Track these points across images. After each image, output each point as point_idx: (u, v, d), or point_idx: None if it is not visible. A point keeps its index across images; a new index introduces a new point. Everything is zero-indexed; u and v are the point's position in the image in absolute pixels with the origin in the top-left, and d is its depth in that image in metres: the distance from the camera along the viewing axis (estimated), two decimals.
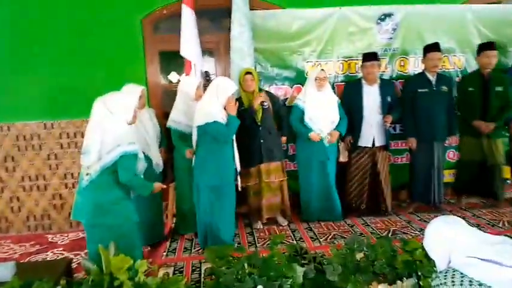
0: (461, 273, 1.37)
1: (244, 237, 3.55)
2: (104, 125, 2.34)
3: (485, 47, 3.75)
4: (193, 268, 2.96)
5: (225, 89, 3.06)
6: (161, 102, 4.12)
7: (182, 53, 3.65)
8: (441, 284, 1.40)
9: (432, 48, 3.69)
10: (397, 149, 4.23)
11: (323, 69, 3.68)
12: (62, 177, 4.05)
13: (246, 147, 3.51)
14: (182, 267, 2.98)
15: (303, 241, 3.39)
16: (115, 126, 2.35)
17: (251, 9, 3.82)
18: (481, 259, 1.36)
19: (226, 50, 4.09)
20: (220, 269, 2.30)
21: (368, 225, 3.72)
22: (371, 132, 3.78)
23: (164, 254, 3.27)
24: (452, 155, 4.28)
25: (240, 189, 3.38)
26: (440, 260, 1.50)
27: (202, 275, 2.81)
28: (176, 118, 3.36)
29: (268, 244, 3.25)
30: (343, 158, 3.92)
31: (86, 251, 3.28)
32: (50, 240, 3.84)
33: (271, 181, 3.67)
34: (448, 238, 1.48)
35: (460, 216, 3.72)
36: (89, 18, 3.90)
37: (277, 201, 3.77)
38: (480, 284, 1.32)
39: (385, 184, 3.86)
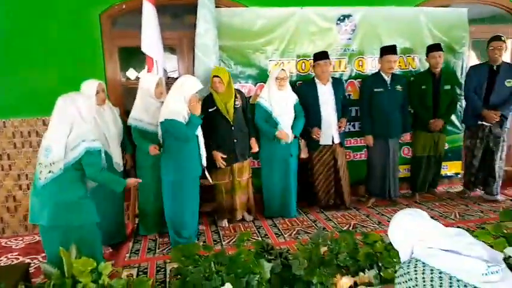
0: (423, 263, 1.44)
1: (209, 236, 3.54)
2: (70, 123, 2.30)
3: (433, 48, 3.99)
4: (158, 269, 2.92)
5: (189, 87, 3.07)
6: (122, 99, 4.01)
7: (143, 49, 3.57)
8: (404, 273, 1.47)
9: (389, 50, 3.85)
10: (356, 146, 4.38)
11: (283, 69, 3.73)
12: (15, 179, 3.84)
13: (220, 147, 3.55)
14: (146, 268, 2.93)
15: (268, 237, 3.44)
16: (79, 123, 2.32)
17: (216, 7, 3.80)
18: (442, 249, 1.45)
19: (189, 47, 4.05)
20: (187, 268, 2.29)
21: (330, 219, 3.83)
22: (330, 130, 3.89)
23: (127, 255, 3.19)
24: (407, 151, 4.49)
25: (211, 182, 3.47)
26: (404, 251, 1.57)
27: (168, 275, 2.78)
28: (137, 116, 3.30)
29: (234, 242, 3.27)
30: (304, 155, 4.02)
31: (43, 254, 3.18)
32: (3, 244, 3.63)
33: (242, 179, 3.72)
34: (410, 230, 1.54)
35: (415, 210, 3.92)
36: (45, 13, 3.71)
37: (245, 200, 3.83)
38: (440, 272, 1.39)
39: (344, 180, 4.00)
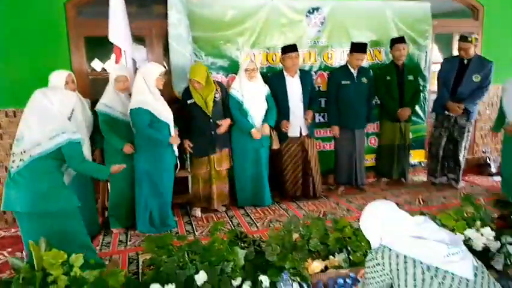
0: (390, 249, 1.53)
1: (182, 227, 3.55)
2: (44, 113, 2.27)
3: (397, 41, 4.14)
4: (130, 260, 2.90)
5: (150, 73, 3.16)
6: (88, 90, 3.89)
7: (111, 39, 3.50)
8: (373, 259, 1.56)
9: (359, 49, 3.95)
10: (326, 136, 4.48)
11: (252, 61, 3.75)
12: None
13: (198, 139, 3.59)
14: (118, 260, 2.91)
15: (241, 227, 3.48)
16: (58, 115, 2.30)
17: None
18: (408, 236, 1.54)
19: (159, 37, 3.99)
20: (160, 258, 2.28)
21: (301, 208, 3.92)
22: (298, 122, 3.95)
23: (98, 248, 3.14)
24: (373, 141, 4.64)
25: (189, 169, 3.67)
26: (374, 239, 1.66)
27: (140, 267, 2.77)
28: (108, 102, 3.25)
29: (207, 232, 3.29)
30: (275, 146, 4.07)
31: (9, 249, 3.10)
32: None
33: (221, 169, 3.75)
34: (380, 220, 1.64)
35: (380, 196, 4.10)
36: (10, 1, 3.57)
37: (226, 190, 3.87)
38: (405, 257, 1.49)
39: (315, 171, 4.09)
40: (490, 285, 1.46)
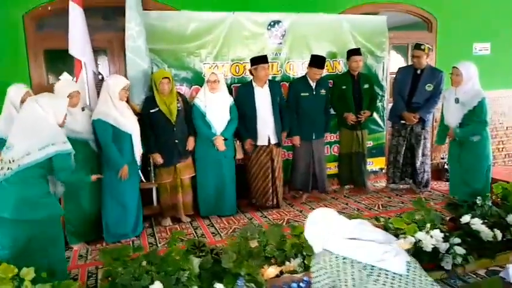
0: (331, 252, 1.61)
1: (145, 239, 3.53)
2: (35, 123, 2.31)
3: (353, 52, 4.31)
4: (90, 274, 2.87)
5: (113, 85, 3.26)
6: None
7: (70, 52, 3.49)
8: (317, 263, 1.64)
9: (317, 63, 4.07)
10: (288, 146, 4.55)
11: (213, 73, 3.81)
12: None
13: (162, 148, 3.64)
14: (77, 275, 2.87)
15: (204, 237, 3.50)
16: (49, 125, 2.34)
17: (144, 10, 3.80)
18: (346, 238, 1.62)
19: (119, 49, 4.00)
20: (116, 270, 2.28)
21: (266, 217, 3.98)
22: (266, 131, 4.03)
23: None
24: (336, 149, 4.76)
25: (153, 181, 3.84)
26: (316, 244, 1.74)
27: (99, 280, 2.74)
28: None
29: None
30: (239, 155, 4.13)
31: None
32: None
33: (185, 178, 3.80)
34: (319, 226, 1.74)
35: (343, 202, 4.20)
36: None
37: (190, 199, 3.91)
38: (344, 258, 1.57)
39: (278, 180, 4.15)
40: (421, 278, 1.54)
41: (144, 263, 2.32)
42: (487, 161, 3.74)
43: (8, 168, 2.27)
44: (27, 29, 3.72)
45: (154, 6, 4.02)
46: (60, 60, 4.02)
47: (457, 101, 3.68)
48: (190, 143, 3.79)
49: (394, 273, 1.51)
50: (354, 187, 4.70)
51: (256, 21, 4.30)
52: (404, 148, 4.50)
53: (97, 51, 3.93)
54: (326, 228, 1.71)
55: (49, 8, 3.76)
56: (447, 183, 5.00)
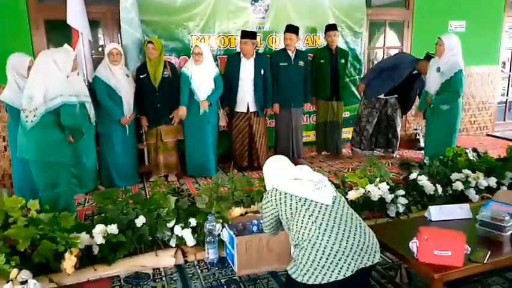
0: (276, 189, 2.01)
1: (135, 189, 4.00)
2: (48, 75, 2.72)
3: (329, 28, 4.63)
4: (86, 217, 3.32)
5: (106, 50, 3.84)
6: None
7: (68, 22, 3.84)
8: (265, 198, 2.04)
9: (288, 29, 4.42)
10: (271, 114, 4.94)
11: (197, 45, 4.10)
12: None
13: (146, 111, 4.06)
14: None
15: (189, 190, 3.93)
16: (58, 77, 2.76)
17: None
18: (289, 178, 2.02)
19: (113, 20, 4.34)
20: (106, 207, 2.74)
21: (245, 176, 4.38)
22: (245, 99, 4.40)
23: None
24: (314, 119, 5.15)
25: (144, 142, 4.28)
26: (268, 183, 2.14)
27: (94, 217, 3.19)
28: None
29: None
30: (222, 123, 4.53)
31: None
32: None
33: (168, 141, 4.18)
34: (271, 169, 2.13)
35: (317, 166, 4.56)
36: None
37: (174, 160, 4.30)
38: (285, 193, 1.96)
39: (259, 144, 4.56)
40: (343, 209, 1.94)
41: (131, 202, 2.78)
42: (453, 130, 4.04)
43: (34, 116, 2.71)
44: (29, 0, 4.05)
45: None
46: (59, 30, 4.35)
47: (438, 70, 3.92)
48: (182, 112, 4.10)
49: (322, 204, 1.92)
50: (330, 153, 5.12)
51: None
52: (375, 119, 4.88)
53: (93, 23, 4.28)
54: (276, 171, 2.12)
55: None
56: (418, 151, 5.44)
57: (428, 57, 4.32)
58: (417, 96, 4.68)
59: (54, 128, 2.78)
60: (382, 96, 4.76)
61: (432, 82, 4.04)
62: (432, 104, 4.05)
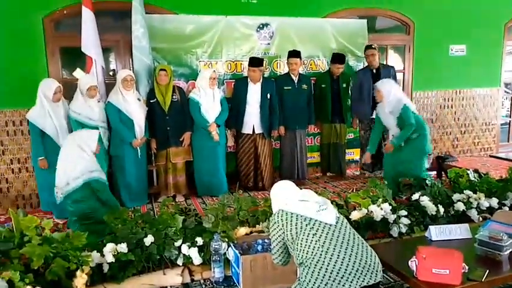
0: (282, 210, 2.11)
1: (144, 209, 4.09)
2: (71, 158, 3.10)
3: (336, 60, 4.79)
4: None
5: (119, 77, 4.03)
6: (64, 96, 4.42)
7: (83, 50, 4.06)
8: (272, 219, 2.13)
9: (291, 54, 4.61)
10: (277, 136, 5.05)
11: (214, 71, 4.36)
12: (8, 163, 4.33)
13: (157, 134, 4.23)
14: None
15: (196, 211, 4.02)
16: (83, 158, 3.11)
17: (147, 13, 4.34)
18: (295, 200, 2.12)
19: (125, 48, 4.56)
20: (117, 226, 2.84)
21: (250, 197, 4.47)
22: (251, 121, 4.56)
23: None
24: (319, 140, 5.26)
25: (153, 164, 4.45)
26: (275, 206, 2.24)
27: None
28: (76, 109, 3.84)
29: None
30: (230, 143, 4.67)
31: None
32: None
33: (177, 162, 4.32)
34: (278, 192, 2.23)
35: (322, 187, 4.64)
36: None
37: (183, 181, 4.42)
38: (291, 213, 2.05)
39: (264, 165, 4.67)
40: (346, 229, 2.02)
41: (140, 222, 2.88)
42: (424, 154, 4.12)
43: (61, 194, 3.08)
44: (46, 29, 4.29)
45: (155, 10, 4.57)
46: (73, 57, 4.58)
47: (388, 112, 4.09)
48: (186, 139, 4.31)
49: (325, 223, 2.00)
50: (335, 174, 5.20)
51: (246, 23, 4.82)
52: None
53: (106, 50, 4.50)
54: (282, 194, 2.22)
55: (65, 12, 4.33)
56: None
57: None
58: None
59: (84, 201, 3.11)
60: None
61: (388, 121, 4.14)
62: (396, 146, 4.08)
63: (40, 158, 3.65)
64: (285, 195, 2.17)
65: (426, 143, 4.11)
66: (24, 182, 4.39)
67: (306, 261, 1.87)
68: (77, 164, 3.08)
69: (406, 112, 3.94)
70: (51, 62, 4.37)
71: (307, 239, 1.91)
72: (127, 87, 3.99)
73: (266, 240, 2.77)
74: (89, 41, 4.08)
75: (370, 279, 1.82)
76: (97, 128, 3.84)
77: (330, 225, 1.97)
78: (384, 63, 5.61)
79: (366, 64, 5.10)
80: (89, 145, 3.17)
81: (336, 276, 1.79)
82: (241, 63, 4.87)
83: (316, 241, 1.88)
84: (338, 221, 2.01)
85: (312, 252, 1.86)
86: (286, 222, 2.03)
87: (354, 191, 4.59)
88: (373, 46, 4.85)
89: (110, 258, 2.55)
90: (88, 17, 4.04)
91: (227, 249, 2.71)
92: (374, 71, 4.88)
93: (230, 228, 2.83)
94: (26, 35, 4.23)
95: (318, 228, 1.95)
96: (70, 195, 3.07)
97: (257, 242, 2.75)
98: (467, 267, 2.00)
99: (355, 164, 5.56)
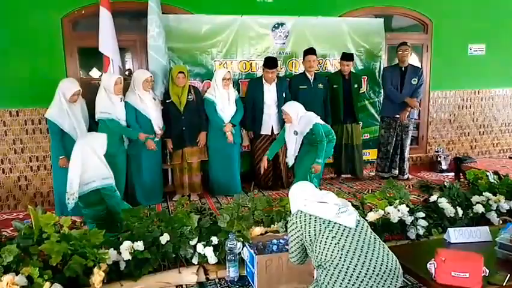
0: (301, 211, 2.09)
1: (159, 208, 4.11)
2: (82, 163, 3.10)
3: (344, 58, 4.75)
4: None
5: (136, 78, 4.05)
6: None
7: (100, 49, 4.11)
8: (290, 220, 2.12)
9: (308, 52, 4.58)
10: None
11: (229, 71, 4.37)
12: (27, 161, 4.40)
13: (172, 134, 4.25)
14: None
15: (210, 210, 4.03)
16: (93, 163, 3.13)
17: (164, 13, 4.38)
18: (314, 201, 2.10)
19: (141, 47, 4.60)
20: (133, 224, 2.86)
21: (265, 196, 4.47)
22: (270, 122, 4.56)
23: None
24: None
25: (168, 163, 4.48)
26: (293, 206, 2.22)
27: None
28: (104, 110, 3.89)
29: None
30: (245, 142, 4.67)
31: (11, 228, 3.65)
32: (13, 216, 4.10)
33: (192, 161, 4.34)
34: (297, 193, 2.20)
35: (337, 188, 4.61)
36: (16, 17, 4.19)
37: (198, 180, 4.45)
38: (310, 215, 2.04)
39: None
40: (367, 232, 1.99)
41: (155, 220, 2.90)
42: (328, 156, 4.26)
43: (72, 199, 3.08)
44: (64, 29, 4.36)
45: (172, 10, 4.60)
46: (91, 57, 4.65)
47: (295, 133, 4.12)
48: (202, 139, 4.34)
49: (345, 227, 1.97)
50: (350, 175, 5.16)
51: (261, 23, 4.82)
52: (394, 140, 4.95)
53: (122, 49, 4.55)
54: (301, 194, 2.20)
55: (83, 12, 4.39)
56: (439, 174, 5.42)
57: None
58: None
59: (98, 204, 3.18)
60: (397, 115, 4.83)
61: (292, 143, 4.17)
62: (323, 163, 4.11)
63: (61, 157, 3.72)
64: (304, 197, 2.14)
65: (332, 147, 4.20)
66: (42, 179, 4.46)
67: (324, 264, 1.85)
68: (90, 168, 3.11)
69: (318, 129, 4.00)
70: (70, 61, 4.43)
71: (326, 242, 1.88)
72: (147, 87, 4.04)
73: (281, 241, 2.76)
74: (107, 41, 4.13)
75: (390, 284, 1.79)
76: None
77: (350, 228, 1.93)
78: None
79: (380, 62, 5.11)
80: (100, 148, 3.21)
81: (356, 280, 1.76)
82: (256, 63, 4.87)
83: (335, 244, 1.85)
84: (358, 225, 1.97)
85: (331, 255, 1.83)
86: (305, 224, 2.00)
87: (370, 192, 4.55)
88: (407, 44, 4.81)
89: (126, 256, 2.57)
90: (105, 17, 4.09)
91: (242, 249, 2.71)
92: (403, 68, 4.84)
93: (245, 228, 2.83)
94: (45, 35, 4.30)
95: (337, 231, 1.92)
96: (82, 198, 3.10)
97: (272, 242, 2.74)
98: (487, 271, 1.95)
99: (370, 164, 5.51)
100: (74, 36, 4.45)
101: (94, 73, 4.92)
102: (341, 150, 4.95)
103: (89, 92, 4.16)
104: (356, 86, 4.84)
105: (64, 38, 4.38)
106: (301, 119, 4.10)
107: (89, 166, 3.10)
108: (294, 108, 4.14)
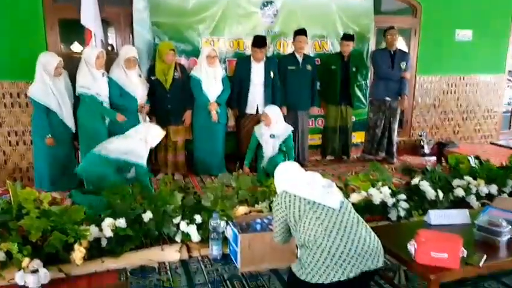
0: (286, 192, 2.08)
1: None
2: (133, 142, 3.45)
3: (345, 38, 4.74)
4: None
5: (122, 54, 3.93)
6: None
7: (82, 22, 3.96)
8: (275, 200, 2.10)
9: (299, 32, 4.51)
10: None
11: (213, 49, 4.26)
12: (5, 135, 4.26)
13: (157, 111, 4.18)
14: None
15: (194, 188, 4.02)
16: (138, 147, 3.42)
17: None
18: (299, 182, 2.09)
19: (126, 22, 4.45)
20: (116, 202, 2.82)
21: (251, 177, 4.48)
22: (255, 101, 4.51)
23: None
24: (320, 123, 5.23)
25: None
26: (278, 187, 2.20)
27: None
28: (85, 85, 3.74)
29: None
30: (231, 123, 4.63)
31: None
32: None
33: (177, 140, 4.28)
34: (282, 174, 2.18)
35: (322, 170, 4.65)
36: None
37: (182, 159, 4.40)
38: (295, 195, 2.01)
39: None
40: (350, 214, 1.99)
41: (138, 197, 2.87)
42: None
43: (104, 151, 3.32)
44: (44, 1, 4.17)
45: None
46: (73, 30, 4.48)
47: (272, 136, 4.16)
48: (187, 117, 4.28)
49: (329, 207, 1.98)
50: (335, 157, 5.19)
51: (250, 0, 4.70)
52: (382, 124, 4.98)
53: (105, 23, 4.39)
54: (287, 175, 2.19)
55: None
56: (422, 158, 5.50)
57: None
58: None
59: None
60: (387, 98, 4.85)
61: (268, 146, 4.20)
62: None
63: (47, 137, 3.64)
64: (289, 177, 2.13)
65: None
66: (21, 155, 4.35)
67: (308, 243, 1.86)
68: (135, 147, 3.36)
69: (291, 139, 4.22)
70: (50, 34, 4.26)
71: (310, 222, 1.89)
72: (130, 67, 3.92)
73: (265, 220, 2.77)
74: (89, 13, 3.97)
75: (372, 264, 1.82)
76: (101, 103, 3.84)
77: (334, 209, 1.94)
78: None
79: (369, 45, 5.10)
80: (151, 139, 3.50)
81: (338, 259, 1.78)
82: (243, 42, 4.77)
83: (319, 224, 1.86)
84: (342, 206, 1.98)
85: (315, 236, 1.84)
86: (290, 205, 2.00)
87: (354, 174, 4.60)
88: (394, 28, 4.81)
89: (108, 233, 2.55)
90: None
91: (226, 228, 2.71)
92: (392, 52, 4.84)
93: (229, 207, 2.83)
94: (24, 5, 4.11)
95: (321, 212, 1.92)
96: (105, 164, 3.24)
97: (256, 222, 2.74)
98: (465, 252, 2.00)
99: (355, 147, 5.54)
100: (55, 8, 4.26)
101: (76, 47, 4.76)
102: (334, 133, 4.96)
103: (71, 66, 4.01)
104: (354, 69, 4.85)
105: (45, 10, 4.20)
106: (279, 123, 4.19)
107: (136, 147, 3.34)
108: (275, 113, 4.18)
